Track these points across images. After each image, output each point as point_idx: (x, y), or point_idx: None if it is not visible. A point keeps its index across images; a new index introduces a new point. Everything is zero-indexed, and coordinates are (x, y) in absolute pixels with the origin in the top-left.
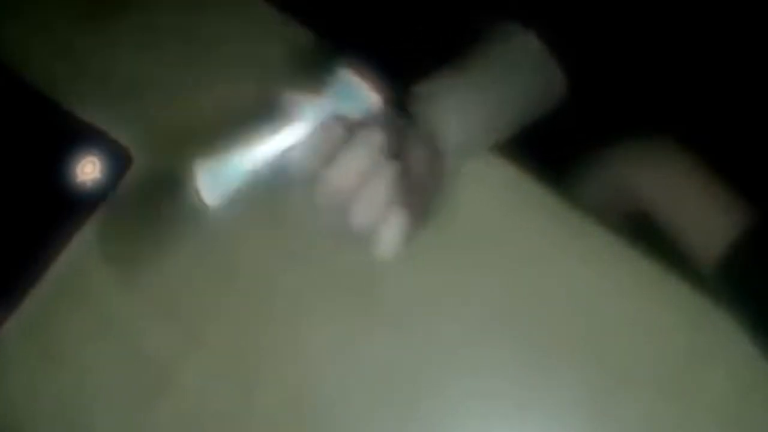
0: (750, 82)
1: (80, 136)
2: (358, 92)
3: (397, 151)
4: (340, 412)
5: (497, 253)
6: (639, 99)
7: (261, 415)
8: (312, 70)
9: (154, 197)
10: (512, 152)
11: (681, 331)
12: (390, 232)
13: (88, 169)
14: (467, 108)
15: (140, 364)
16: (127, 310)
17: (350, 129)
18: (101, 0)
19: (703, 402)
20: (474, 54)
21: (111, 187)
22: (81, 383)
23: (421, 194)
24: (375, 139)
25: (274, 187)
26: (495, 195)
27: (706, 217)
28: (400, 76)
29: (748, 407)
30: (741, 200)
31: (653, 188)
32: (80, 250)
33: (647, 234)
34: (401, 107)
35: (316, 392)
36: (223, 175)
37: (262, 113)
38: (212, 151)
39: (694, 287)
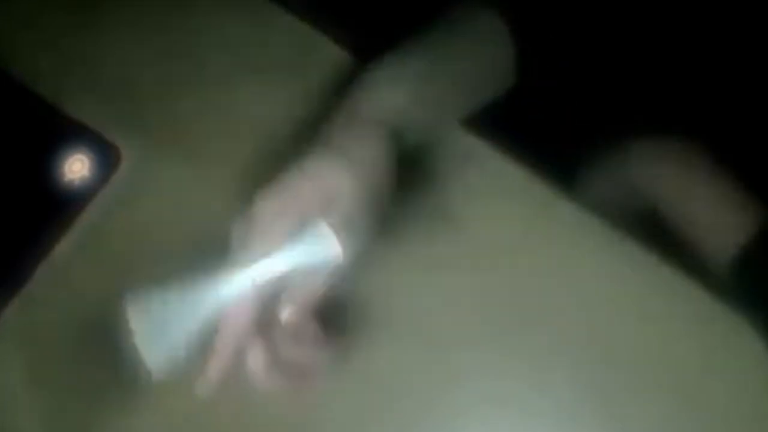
0: (762, 80)
1: (68, 133)
2: (324, 244)
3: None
4: (341, 417)
5: (506, 255)
6: (651, 97)
7: (261, 420)
8: (304, 62)
9: (143, 196)
10: (522, 155)
11: (693, 332)
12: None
13: (77, 167)
14: (418, 83)
15: (131, 363)
16: (117, 309)
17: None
18: None
19: (715, 403)
20: (432, 32)
21: (100, 186)
22: (65, 393)
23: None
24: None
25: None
26: (500, 198)
27: (720, 218)
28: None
29: (759, 408)
30: (755, 200)
31: (666, 187)
32: (69, 249)
33: (660, 234)
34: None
35: (314, 394)
36: (165, 330)
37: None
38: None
39: (707, 288)
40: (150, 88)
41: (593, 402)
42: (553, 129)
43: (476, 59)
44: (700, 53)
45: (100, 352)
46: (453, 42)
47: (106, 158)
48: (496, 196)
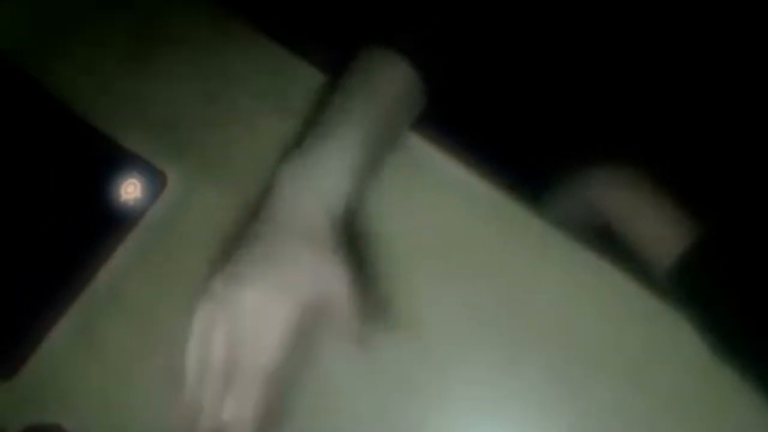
0: (697, 117)
1: (123, 160)
2: None
3: None
4: (346, 398)
5: (487, 263)
6: (606, 133)
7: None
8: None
9: (186, 213)
10: (500, 179)
11: (640, 326)
12: None
13: (130, 190)
14: (343, 166)
15: (174, 363)
16: (161, 313)
17: None
18: (140, 42)
19: (658, 385)
20: (342, 88)
21: (149, 205)
22: (122, 380)
23: None
24: None
25: None
26: (479, 214)
27: (661, 232)
28: None
29: (695, 390)
30: (689, 217)
31: (618, 206)
32: (123, 260)
33: (612, 244)
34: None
35: (310, 387)
36: None
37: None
38: None
39: (652, 290)
40: (190, 123)
41: (558, 385)
42: (525, 159)
43: (391, 103)
44: (642, 95)
45: (146, 352)
46: (366, 90)
47: (155, 182)
48: (478, 213)
